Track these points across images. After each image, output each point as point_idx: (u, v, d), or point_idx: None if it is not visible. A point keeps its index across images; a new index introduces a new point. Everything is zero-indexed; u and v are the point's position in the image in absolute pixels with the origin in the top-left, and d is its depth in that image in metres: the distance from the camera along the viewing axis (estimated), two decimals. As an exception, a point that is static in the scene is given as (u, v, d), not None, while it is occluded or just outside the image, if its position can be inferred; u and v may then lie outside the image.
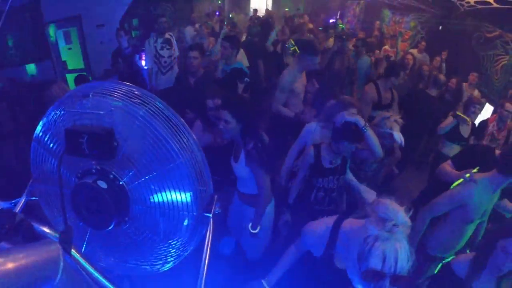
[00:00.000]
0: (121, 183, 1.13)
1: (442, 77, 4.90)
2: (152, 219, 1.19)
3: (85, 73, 6.35)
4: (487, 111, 5.22)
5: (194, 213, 1.20)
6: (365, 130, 2.59)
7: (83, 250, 1.25)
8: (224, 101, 2.70)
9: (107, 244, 1.28)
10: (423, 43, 7.76)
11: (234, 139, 2.68)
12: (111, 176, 1.12)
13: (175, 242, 1.23)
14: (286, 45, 5.85)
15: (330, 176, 2.86)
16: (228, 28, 8.05)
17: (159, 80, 5.54)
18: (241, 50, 5.13)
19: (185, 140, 1.16)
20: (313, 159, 2.80)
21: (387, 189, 4.88)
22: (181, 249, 1.24)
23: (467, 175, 2.56)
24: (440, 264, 2.54)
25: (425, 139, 5.43)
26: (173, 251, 1.24)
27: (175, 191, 1.15)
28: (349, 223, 1.68)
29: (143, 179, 1.13)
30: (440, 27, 8.51)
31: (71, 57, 6.88)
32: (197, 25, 7.60)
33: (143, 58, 5.89)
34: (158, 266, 1.26)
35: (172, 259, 1.25)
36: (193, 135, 1.21)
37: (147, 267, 1.28)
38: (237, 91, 4.06)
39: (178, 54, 5.90)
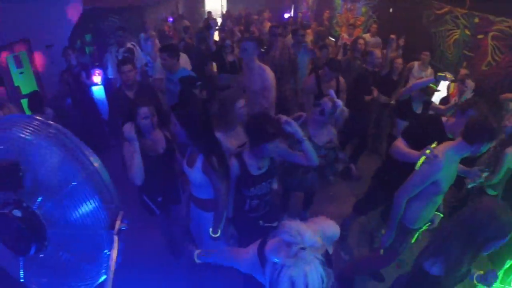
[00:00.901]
0: (33, 209, 1.23)
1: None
2: (66, 241, 1.29)
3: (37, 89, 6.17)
4: (443, 86, 5.11)
5: (100, 231, 1.28)
6: (302, 141, 2.58)
7: (21, 276, 1.35)
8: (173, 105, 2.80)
9: (43, 267, 1.36)
10: (374, 25, 7.73)
11: (188, 144, 2.67)
12: (24, 204, 1.22)
13: (94, 260, 1.32)
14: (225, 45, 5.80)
15: (263, 183, 2.69)
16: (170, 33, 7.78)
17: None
18: (184, 55, 5.07)
19: (82, 161, 1.24)
20: (238, 170, 2.61)
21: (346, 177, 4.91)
22: (103, 265, 1.31)
23: (428, 151, 2.51)
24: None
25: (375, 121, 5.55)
26: (95, 269, 1.33)
27: (79, 212, 1.24)
28: (271, 244, 1.53)
29: (49, 203, 1.24)
30: (391, 10, 8.48)
31: (24, 82, 6.54)
32: (152, 32, 7.28)
33: (97, 74, 5.75)
34: (92, 282, 1.35)
35: (98, 276, 1.33)
36: (93, 156, 1.27)
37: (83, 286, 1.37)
38: (195, 97, 3.97)
39: (145, 62, 5.97)
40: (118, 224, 1.29)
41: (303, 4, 14.61)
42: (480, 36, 5.78)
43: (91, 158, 1.26)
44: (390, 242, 2.80)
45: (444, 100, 4.75)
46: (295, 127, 2.58)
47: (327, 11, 11.30)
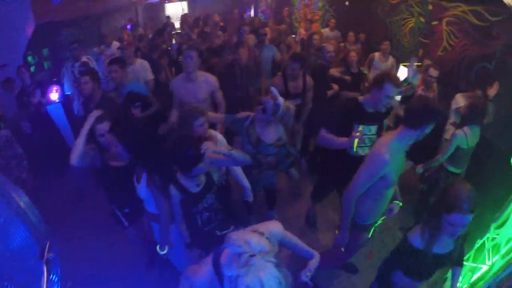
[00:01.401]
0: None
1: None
2: (7, 272, 1.29)
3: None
4: (403, 74, 5.25)
5: (33, 261, 1.32)
6: (229, 154, 2.55)
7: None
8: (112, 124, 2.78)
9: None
10: (332, 20, 7.76)
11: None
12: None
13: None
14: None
15: (207, 195, 2.65)
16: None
17: (80, 105, 5.14)
18: (145, 63, 5.01)
19: (8, 199, 1.27)
20: (180, 194, 2.55)
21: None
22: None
23: (357, 133, 2.67)
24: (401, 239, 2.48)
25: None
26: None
27: (10, 245, 1.26)
28: (223, 258, 1.55)
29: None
30: (347, 3, 8.55)
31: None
32: (115, 42, 7.04)
33: (54, 90, 5.56)
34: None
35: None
36: (19, 193, 1.32)
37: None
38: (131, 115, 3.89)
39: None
40: (46, 254, 1.35)
41: (262, 2, 14.58)
42: (434, 23, 5.90)
43: (17, 196, 1.30)
44: (346, 242, 2.78)
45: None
46: (217, 150, 2.57)
47: (286, 8, 11.30)
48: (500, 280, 2.38)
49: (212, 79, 4.15)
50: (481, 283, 2.59)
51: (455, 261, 2.37)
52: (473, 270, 2.79)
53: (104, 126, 2.79)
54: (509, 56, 4.63)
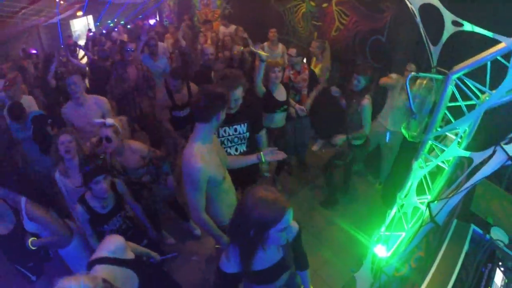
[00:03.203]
0: None
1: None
2: None
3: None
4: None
5: None
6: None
7: None
8: None
9: None
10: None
11: None
12: None
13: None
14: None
15: (113, 218, 2.83)
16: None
17: None
18: (29, 98, 4.82)
19: None
20: (86, 214, 2.72)
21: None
22: None
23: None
24: None
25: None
26: None
27: None
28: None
29: None
30: (242, -4, 8.34)
31: None
32: None
33: None
34: None
35: None
36: None
37: None
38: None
39: None
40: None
41: (165, 7, 14.11)
42: (324, 5, 5.93)
43: None
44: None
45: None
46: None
47: (187, 11, 10.89)
48: (411, 250, 2.36)
49: (103, 100, 4.09)
50: (402, 249, 2.49)
51: (294, 266, 2.24)
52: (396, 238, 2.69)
53: None
54: (400, 26, 4.74)
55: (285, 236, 1.80)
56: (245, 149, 3.30)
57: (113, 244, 1.98)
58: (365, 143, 4.19)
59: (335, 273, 3.64)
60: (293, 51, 4.61)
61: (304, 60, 4.89)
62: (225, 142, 3.21)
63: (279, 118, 4.31)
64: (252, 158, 2.83)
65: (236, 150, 3.27)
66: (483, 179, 1.74)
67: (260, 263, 1.92)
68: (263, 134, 3.49)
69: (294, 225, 2.03)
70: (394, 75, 4.27)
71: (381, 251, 2.63)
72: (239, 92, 2.88)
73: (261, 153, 2.80)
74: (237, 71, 3.29)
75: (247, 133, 3.23)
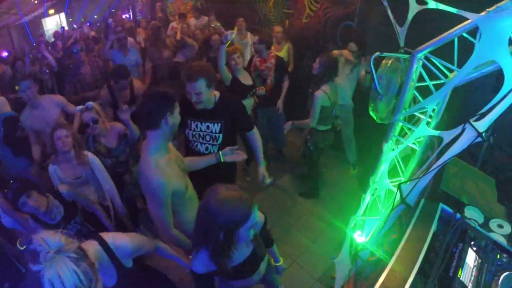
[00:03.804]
0: None
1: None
2: None
3: None
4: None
5: None
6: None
7: None
8: None
9: None
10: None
11: None
12: None
13: None
14: None
15: (68, 226, 2.71)
16: None
17: None
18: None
19: None
20: (40, 227, 2.58)
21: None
22: None
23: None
24: None
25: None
26: None
27: None
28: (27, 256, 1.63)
29: None
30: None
31: None
32: None
33: None
34: None
35: None
36: None
37: None
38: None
39: None
40: None
41: (138, 2, 13.84)
42: None
43: None
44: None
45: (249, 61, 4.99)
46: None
47: (158, 3, 10.68)
48: (385, 233, 2.35)
49: (56, 97, 4.09)
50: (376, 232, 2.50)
51: (264, 252, 2.22)
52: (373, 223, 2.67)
53: None
54: (370, 10, 4.73)
55: (254, 231, 1.77)
56: (216, 151, 3.06)
57: (123, 241, 1.91)
58: (330, 130, 4.18)
59: (314, 261, 3.64)
60: (255, 38, 4.61)
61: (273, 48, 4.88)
62: (196, 137, 3.05)
63: (249, 105, 4.27)
64: (209, 159, 2.73)
65: (207, 149, 3.07)
66: (453, 157, 1.72)
67: (232, 260, 1.86)
68: (255, 131, 3.20)
69: (261, 217, 2.00)
70: (335, 52, 4.52)
71: (358, 237, 2.63)
72: (200, 85, 2.67)
73: (220, 152, 2.71)
74: (202, 63, 3.17)
75: (220, 135, 3.00)
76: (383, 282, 1.76)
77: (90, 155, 3.15)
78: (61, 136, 2.96)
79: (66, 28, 13.29)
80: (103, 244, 1.83)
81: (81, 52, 5.10)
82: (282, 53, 5.40)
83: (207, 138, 3.02)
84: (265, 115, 4.75)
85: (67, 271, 1.34)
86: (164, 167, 2.14)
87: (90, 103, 3.23)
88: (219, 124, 2.97)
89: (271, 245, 2.41)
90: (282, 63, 4.83)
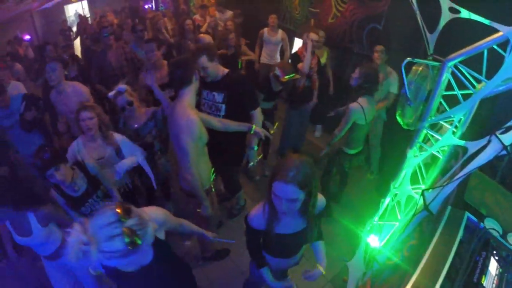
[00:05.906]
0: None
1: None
2: None
3: None
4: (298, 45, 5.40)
5: None
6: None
7: None
8: None
9: None
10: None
11: None
12: None
13: None
14: None
15: (89, 200, 2.79)
16: None
17: None
18: (19, 85, 4.66)
19: None
20: (61, 198, 2.73)
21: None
22: None
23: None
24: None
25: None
26: None
27: None
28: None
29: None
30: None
31: None
32: None
33: None
34: None
35: None
36: None
37: None
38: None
39: None
40: None
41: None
42: None
43: None
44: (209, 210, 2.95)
45: (294, 56, 4.86)
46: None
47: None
48: (404, 239, 2.37)
49: (82, 88, 4.04)
50: (394, 239, 2.51)
51: (313, 239, 2.25)
52: (390, 228, 2.68)
53: None
54: (397, 14, 4.68)
55: (286, 205, 1.81)
56: None
57: (152, 210, 1.88)
58: (361, 152, 3.85)
59: (328, 262, 3.61)
60: (315, 35, 4.40)
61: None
62: (205, 106, 3.43)
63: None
64: (243, 125, 3.06)
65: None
66: (477, 168, 1.72)
67: (283, 227, 2.04)
68: (257, 111, 3.33)
69: (321, 199, 2.09)
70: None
71: (373, 241, 2.63)
72: (203, 60, 3.08)
73: (254, 124, 3.06)
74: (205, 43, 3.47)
75: (223, 105, 3.33)
76: (413, 283, 1.82)
77: (117, 135, 3.17)
78: (85, 118, 2.98)
79: (88, 15, 13.52)
80: None
81: (110, 36, 5.13)
82: (323, 59, 5.25)
83: (213, 108, 3.39)
84: (297, 115, 4.79)
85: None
86: (197, 113, 2.63)
87: (122, 87, 3.23)
88: (222, 95, 3.31)
89: (320, 238, 2.30)
90: (319, 63, 4.83)
